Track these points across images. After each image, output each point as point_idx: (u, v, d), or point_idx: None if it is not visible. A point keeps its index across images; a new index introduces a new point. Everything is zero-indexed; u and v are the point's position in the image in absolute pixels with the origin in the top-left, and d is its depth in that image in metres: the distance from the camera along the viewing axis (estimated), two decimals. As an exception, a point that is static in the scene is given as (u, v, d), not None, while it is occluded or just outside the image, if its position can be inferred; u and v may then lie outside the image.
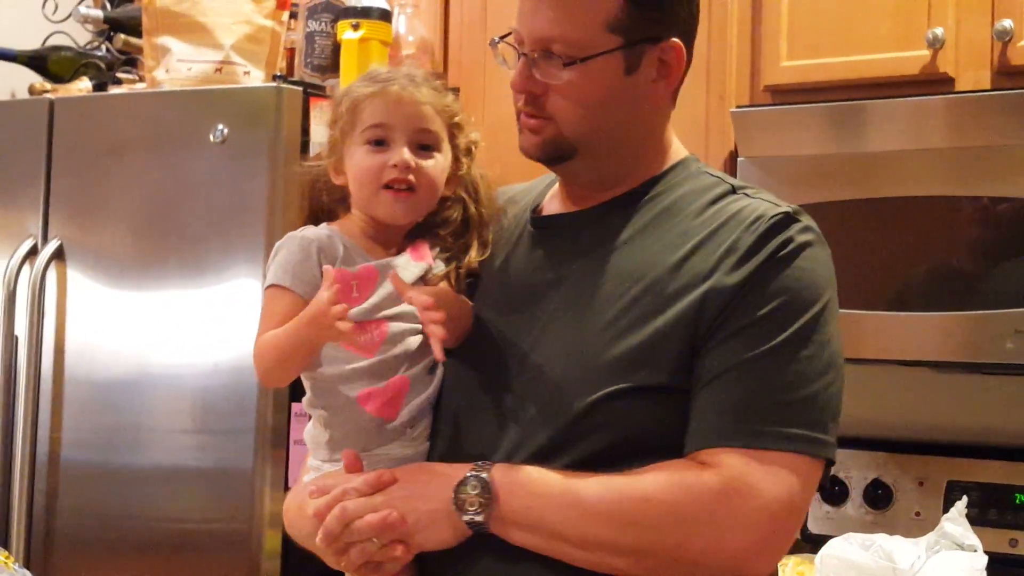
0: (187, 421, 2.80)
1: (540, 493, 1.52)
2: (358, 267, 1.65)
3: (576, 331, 1.58)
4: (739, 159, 2.79)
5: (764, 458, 1.49)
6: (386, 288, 1.64)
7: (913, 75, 2.65)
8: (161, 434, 2.82)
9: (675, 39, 1.63)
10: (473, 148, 1.75)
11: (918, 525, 2.74)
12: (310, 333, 1.58)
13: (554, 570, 1.53)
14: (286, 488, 2.67)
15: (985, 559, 2.30)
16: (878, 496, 2.88)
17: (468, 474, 1.54)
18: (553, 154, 1.64)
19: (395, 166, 1.65)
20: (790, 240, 1.56)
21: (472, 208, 1.73)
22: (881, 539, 2.37)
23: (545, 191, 1.79)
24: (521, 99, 1.64)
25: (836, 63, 2.73)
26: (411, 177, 1.66)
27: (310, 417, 1.72)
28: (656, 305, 1.55)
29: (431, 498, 1.55)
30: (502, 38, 1.69)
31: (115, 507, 2.86)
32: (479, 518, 1.53)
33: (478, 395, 1.63)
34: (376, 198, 1.67)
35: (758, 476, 1.49)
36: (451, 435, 1.64)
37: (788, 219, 1.58)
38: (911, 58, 2.65)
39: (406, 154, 1.65)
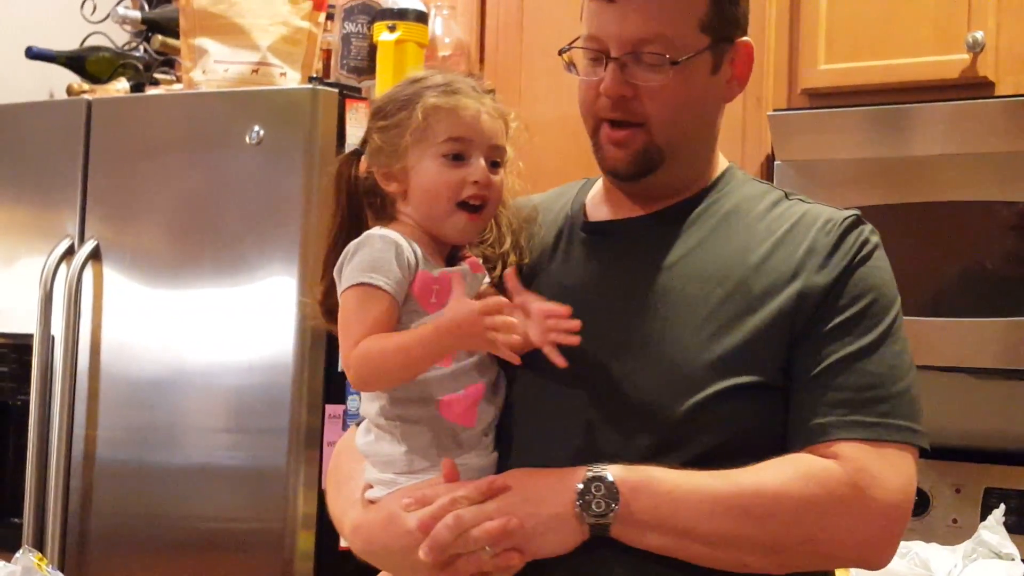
0: (221, 420, 2.80)
1: (667, 491, 1.49)
2: (439, 272, 1.61)
3: (667, 334, 1.57)
4: (776, 163, 2.78)
5: (882, 449, 1.52)
6: (457, 296, 1.56)
7: (953, 79, 2.64)
8: (196, 433, 2.83)
9: (746, 38, 1.66)
10: (511, 158, 1.71)
11: (955, 533, 2.72)
12: (453, 342, 1.54)
13: (676, 569, 1.51)
14: (319, 488, 2.67)
15: (1023, 568, 2.28)
16: (915, 503, 2.85)
17: (589, 475, 1.50)
18: (644, 166, 1.62)
19: (477, 182, 1.61)
20: (867, 241, 1.61)
21: (504, 216, 1.70)
22: (917, 547, 2.35)
23: (579, 197, 1.77)
24: (607, 106, 1.61)
25: (875, 66, 2.72)
26: (487, 194, 1.62)
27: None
28: (746, 305, 1.56)
29: (551, 502, 1.50)
30: (571, 45, 1.66)
31: (149, 506, 2.87)
32: (605, 520, 1.49)
33: (559, 403, 1.59)
34: (450, 216, 1.62)
35: (879, 467, 1.51)
36: (533, 444, 1.59)
37: (859, 221, 1.63)
38: (951, 62, 2.64)
39: (486, 171, 1.62)
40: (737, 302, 1.57)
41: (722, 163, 1.73)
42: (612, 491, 1.49)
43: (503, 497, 1.52)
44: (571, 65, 1.67)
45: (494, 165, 1.65)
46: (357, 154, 1.70)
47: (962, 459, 2.87)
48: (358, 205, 1.70)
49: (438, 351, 1.55)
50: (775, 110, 2.81)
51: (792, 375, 1.56)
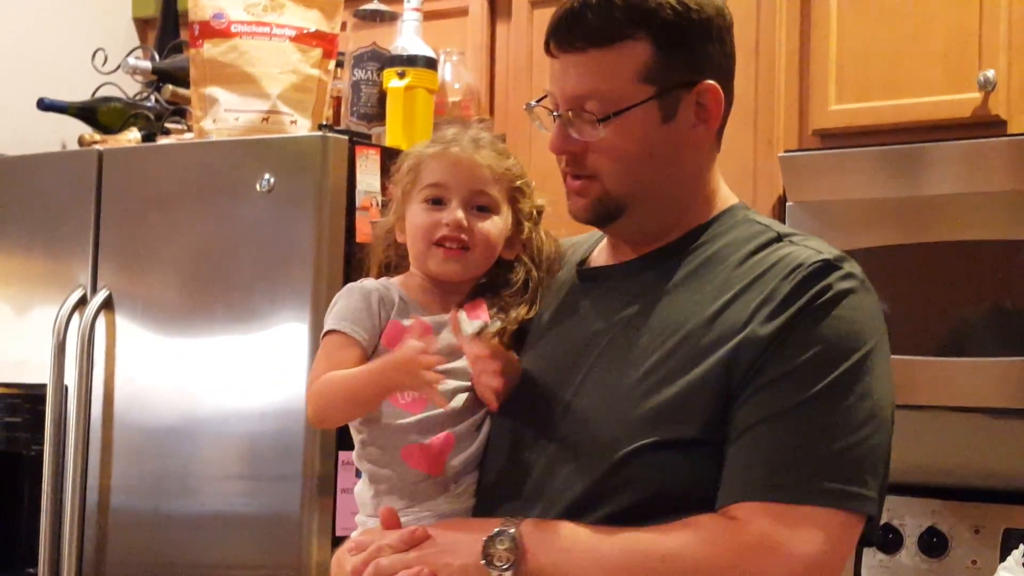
0: (235, 468, 2.80)
1: (567, 548, 1.51)
2: (411, 321, 1.66)
3: (613, 384, 1.57)
4: (788, 204, 2.77)
5: (793, 513, 1.47)
6: (438, 345, 1.64)
7: (964, 118, 2.63)
8: (209, 481, 2.82)
9: (710, 80, 1.61)
10: (536, 213, 1.76)
11: (974, 574, 2.70)
12: (392, 379, 1.59)
13: None
14: (333, 536, 2.66)
15: (1044, 610, 2.26)
16: (933, 544, 2.83)
17: (497, 529, 1.54)
18: (602, 214, 1.63)
19: (447, 224, 1.67)
20: (828, 288, 1.52)
21: (534, 272, 1.73)
22: (937, 589, 2.34)
23: (596, 243, 1.78)
24: (563, 160, 1.63)
25: (886, 106, 2.72)
26: (464, 236, 1.68)
27: (357, 472, 1.72)
28: (690, 357, 1.53)
29: (462, 553, 1.55)
30: (538, 101, 1.68)
31: (164, 553, 2.86)
32: (508, 573, 1.52)
33: (520, 448, 1.63)
34: (428, 254, 1.70)
35: (786, 533, 1.46)
36: (493, 489, 1.64)
37: (828, 266, 1.54)
38: (962, 101, 2.64)
39: (459, 214, 1.68)
40: (682, 355, 1.54)
41: (724, 201, 1.69)
42: (516, 545, 1.52)
43: (423, 546, 1.57)
44: (539, 120, 1.69)
45: (481, 210, 1.70)
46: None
47: (981, 500, 2.85)
48: (389, 256, 1.80)
49: (380, 387, 1.61)
50: (786, 151, 2.81)
51: (727, 431, 1.51)
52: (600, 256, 1.74)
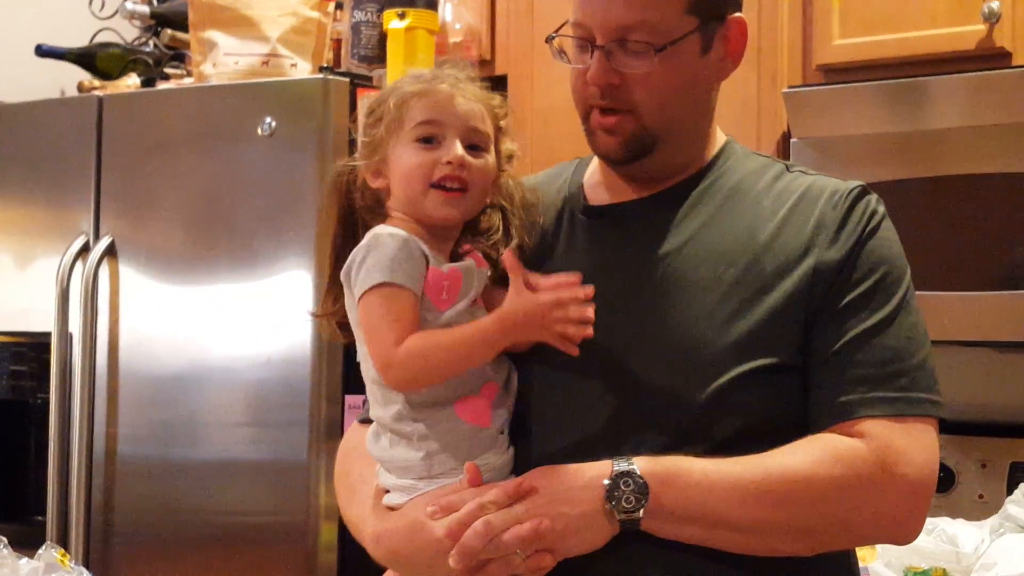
0: (241, 414, 2.80)
1: (696, 482, 1.48)
2: (448, 268, 1.57)
3: (680, 320, 1.55)
4: (792, 140, 2.76)
5: (906, 424, 1.52)
6: (465, 292, 1.57)
7: (969, 51, 2.61)
8: (216, 428, 2.83)
9: (739, 14, 1.62)
10: (513, 157, 1.67)
11: (981, 508, 2.70)
12: (517, 335, 1.51)
13: (707, 558, 1.50)
14: (341, 480, 2.67)
15: (1052, 542, 2.26)
16: (940, 479, 2.83)
17: (615, 470, 1.48)
18: (637, 151, 1.60)
19: (448, 163, 1.57)
20: (875, 212, 1.59)
21: (512, 218, 1.65)
22: (943, 523, 2.34)
23: (575, 178, 1.74)
24: (595, 94, 1.59)
25: (890, 40, 2.70)
26: (464, 175, 1.58)
27: (366, 422, 1.65)
28: (759, 285, 1.55)
29: (578, 501, 1.48)
30: (557, 32, 1.64)
31: (172, 501, 2.87)
32: (635, 515, 1.47)
33: (575, 395, 1.57)
34: (425, 197, 1.58)
35: (904, 443, 1.50)
36: (550, 438, 1.57)
37: (864, 192, 1.61)
38: (967, 33, 2.62)
39: (459, 150, 1.58)
40: (750, 283, 1.55)
41: (720, 138, 1.70)
42: (641, 485, 1.47)
43: (531, 499, 1.49)
44: (561, 52, 1.64)
45: (474, 149, 1.60)
46: (353, 165, 1.66)
47: (987, 434, 2.85)
48: (356, 213, 1.66)
49: (499, 344, 1.53)
50: (790, 87, 2.79)
51: (810, 353, 1.54)
52: (598, 194, 1.69)
